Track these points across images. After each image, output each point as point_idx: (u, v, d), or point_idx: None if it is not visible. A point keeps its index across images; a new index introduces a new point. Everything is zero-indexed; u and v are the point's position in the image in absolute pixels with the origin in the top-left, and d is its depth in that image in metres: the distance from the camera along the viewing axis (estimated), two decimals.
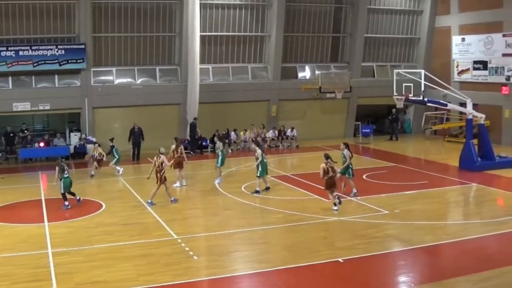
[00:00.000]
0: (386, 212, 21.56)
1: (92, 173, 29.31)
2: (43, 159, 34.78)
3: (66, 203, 22.68)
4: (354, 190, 24.24)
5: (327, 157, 22.14)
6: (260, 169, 24.78)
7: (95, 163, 29.35)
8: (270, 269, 15.83)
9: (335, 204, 21.89)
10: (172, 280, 14.94)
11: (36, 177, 29.72)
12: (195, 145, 37.09)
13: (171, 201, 23.46)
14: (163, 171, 23.00)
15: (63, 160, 23.88)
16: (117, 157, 29.86)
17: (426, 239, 18.33)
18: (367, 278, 15.28)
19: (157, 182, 23.12)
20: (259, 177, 24.95)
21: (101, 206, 23.07)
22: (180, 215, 22.00)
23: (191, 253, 17.14)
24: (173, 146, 26.49)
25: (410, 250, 17.36)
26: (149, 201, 23.25)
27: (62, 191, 22.69)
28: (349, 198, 23.71)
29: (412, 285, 14.69)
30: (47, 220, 20.99)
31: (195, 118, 37.07)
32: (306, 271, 15.65)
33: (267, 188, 25.26)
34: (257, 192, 24.81)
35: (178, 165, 26.47)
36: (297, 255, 16.97)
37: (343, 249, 17.31)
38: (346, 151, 23.93)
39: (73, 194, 22.99)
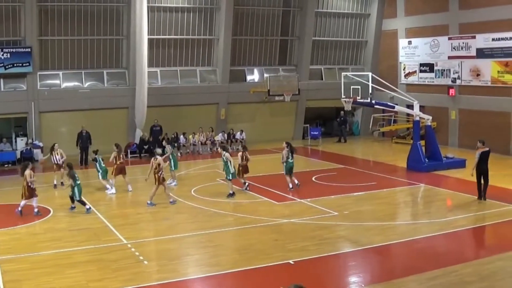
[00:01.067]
0: (336, 213, 21.70)
1: (62, 180, 27.36)
2: None
3: (87, 206, 22.57)
4: (290, 186, 25.19)
5: (243, 147, 26.34)
6: (231, 171, 24.74)
7: (62, 169, 26.94)
8: (221, 272, 15.81)
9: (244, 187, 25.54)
10: (122, 285, 14.76)
11: None
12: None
13: (170, 202, 23.53)
14: (160, 172, 23.24)
15: (72, 167, 23.29)
16: (101, 170, 26.74)
17: (376, 239, 18.52)
18: (318, 280, 15.33)
19: (155, 183, 23.38)
20: (230, 180, 24.88)
21: (48, 211, 22.65)
22: (129, 219, 21.78)
23: (141, 258, 16.98)
24: (115, 153, 26.31)
25: (360, 250, 17.53)
26: (149, 202, 23.37)
27: (78, 198, 22.53)
28: (299, 200, 23.85)
29: (363, 285, 14.82)
30: None
31: (156, 120, 37.10)
32: (257, 274, 15.68)
33: (232, 194, 24.89)
34: (231, 194, 24.68)
35: (120, 171, 26.34)
36: (248, 257, 16.96)
37: (293, 251, 17.36)
38: (284, 151, 25.24)
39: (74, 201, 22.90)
